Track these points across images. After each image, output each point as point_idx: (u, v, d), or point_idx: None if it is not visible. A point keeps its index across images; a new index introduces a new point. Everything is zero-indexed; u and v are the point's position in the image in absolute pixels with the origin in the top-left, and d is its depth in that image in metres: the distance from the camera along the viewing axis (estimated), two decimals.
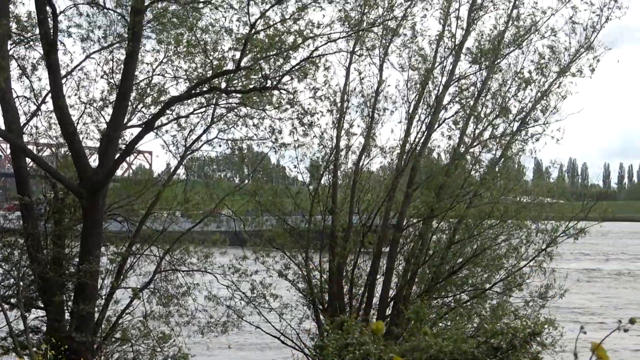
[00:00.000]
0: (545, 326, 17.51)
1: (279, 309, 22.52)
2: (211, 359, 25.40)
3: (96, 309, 19.19)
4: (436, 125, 22.30)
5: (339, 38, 19.14)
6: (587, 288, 55.14)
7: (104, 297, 19.82)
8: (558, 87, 22.11)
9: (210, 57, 18.85)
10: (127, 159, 22.68)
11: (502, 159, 22.84)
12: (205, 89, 19.03)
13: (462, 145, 22.41)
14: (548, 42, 22.06)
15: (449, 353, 15.94)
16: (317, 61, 19.12)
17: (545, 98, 22.07)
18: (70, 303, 19.10)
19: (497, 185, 22.10)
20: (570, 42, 21.99)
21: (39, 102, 20.16)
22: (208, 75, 18.87)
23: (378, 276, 22.61)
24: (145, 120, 19.75)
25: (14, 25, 18.54)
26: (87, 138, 20.59)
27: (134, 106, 20.15)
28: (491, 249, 22.21)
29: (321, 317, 22.10)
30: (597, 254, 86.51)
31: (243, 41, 17.53)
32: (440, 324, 21.02)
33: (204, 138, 21.45)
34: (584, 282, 57.84)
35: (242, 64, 17.70)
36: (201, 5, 18.15)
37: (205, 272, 21.49)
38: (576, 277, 58.82)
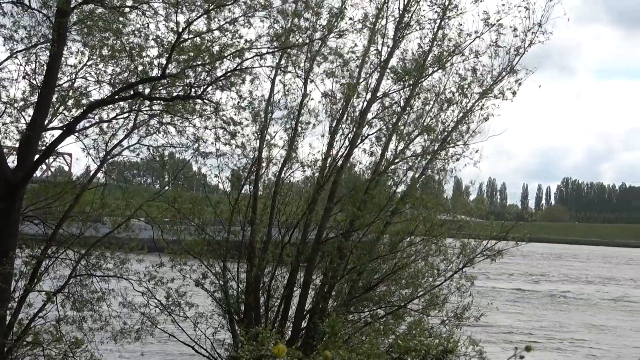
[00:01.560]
0: (462, 345, 17.74)
1: (194, 318, 22.44)
2: None
3: (8, 311, 18.90)
4: (359, 141, 22.46)
5: (267, 53, 19.18)
6: (518, 309, 56.24)
7: (16, 299, 19.53)
8: (480, 109, 22.40)
9: (136, 63, 18.76)
10: (46, 160, 22.34)
11: (423, 177, 23.12)
12: (128, 94, 18.92)
13: (384, 162, 22.60)
14: (471, 65, 22.39)
15: None
16: (243, 74, 19.14)
17: (466, 119, 22.37)
18: None
19: (418, 203, 22.32)
20: (493, 65, 22.33)
21: None
22: (132, 81, 18.76)
23: (295, 289, 22.67)
24: (67, 122, 19.52)
25: None
26: (6, 138, 20.27)
27: (56, 108, 19.89)
28: (409, 266, 22.41)
29: (236, 327, 22.08)
30: (525, 275, 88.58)
31: (169, 49, 17.50)
32: (356, 339, 21.14)
33: (125, 143, 21.28)
34: (515, 303, 59.14)
35: (168, 71, 17.65)
36: (128, 10, 18.07)
37: (121, 278, 21.29)
38: (505, 298, 60.32)
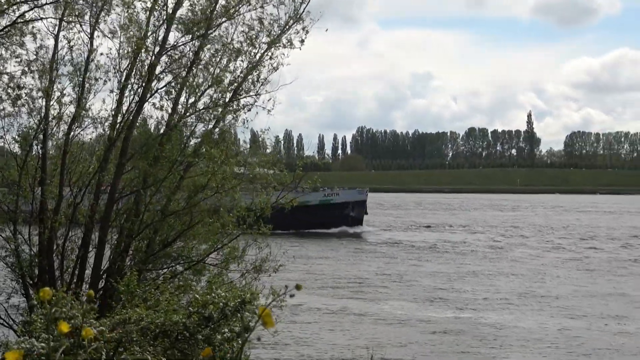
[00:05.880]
0: (261, 296, 17.84)
1: None
2: None
3: None
4: (149, 95, 22.11)
5: (46, 4, 18.53)
6: (347, 259, 57.65)
7: None
8: (270, 59, 22.46)
9: None
10: None
11: (216, 129, 23.02)
12: None
13: (175, 116, 22.35)
14: (258, 14, 22.36)
15: (161, 325, 15.92)
16: (24, 28, 18.45)
17: (256, 69, 22.38)
18: None
19: (212, 156, 22.20)
20: (280, 15, 22.39)
21: None
22: None
23: (91, 249, 22.26)
24: None
25: None
26: None
27: None
28: (205, 221, 22.36)
29: (31, 291, 21.54)
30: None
31: None
32: (155, 297, 20.96)
33: None
34: (348, 254, 60.67)
35: None
36: None
37: None
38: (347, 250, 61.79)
